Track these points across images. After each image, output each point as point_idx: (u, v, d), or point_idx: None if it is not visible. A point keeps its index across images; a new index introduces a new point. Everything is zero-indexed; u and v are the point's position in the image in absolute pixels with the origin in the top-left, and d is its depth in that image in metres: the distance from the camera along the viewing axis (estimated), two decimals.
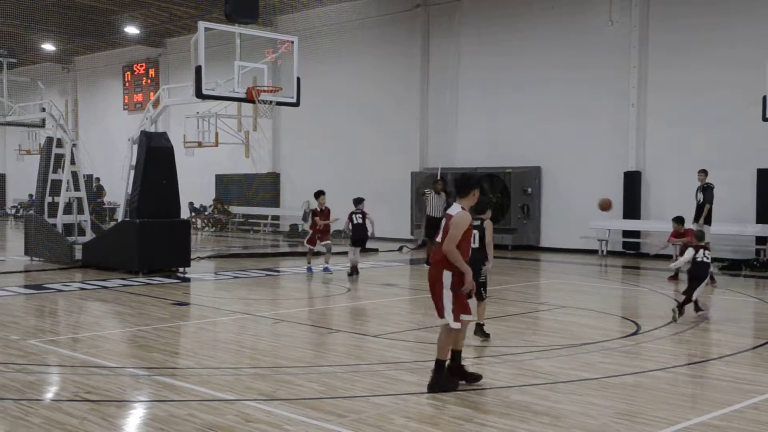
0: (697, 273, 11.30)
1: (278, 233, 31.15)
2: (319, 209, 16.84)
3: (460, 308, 6.97)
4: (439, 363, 7.03)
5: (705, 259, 11.33)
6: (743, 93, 19.13)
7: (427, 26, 27.13)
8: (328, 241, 17.04)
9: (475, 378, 7.22)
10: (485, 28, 25.71)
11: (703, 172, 17.12)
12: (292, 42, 16.46)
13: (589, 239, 22.60)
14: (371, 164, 28.12)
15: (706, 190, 16.96)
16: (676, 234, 15.58)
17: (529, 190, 24.04)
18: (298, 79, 16.46)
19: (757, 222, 19.81)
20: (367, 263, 18.93)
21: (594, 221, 22.14)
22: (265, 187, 32.47)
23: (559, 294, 14.84)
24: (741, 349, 9.29)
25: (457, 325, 6.93)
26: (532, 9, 24.47)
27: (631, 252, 22.47)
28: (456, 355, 7.18)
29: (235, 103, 26.87)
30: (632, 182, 22.38)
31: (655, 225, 21.78)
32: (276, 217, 32.34)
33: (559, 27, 23.87)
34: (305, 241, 17.52)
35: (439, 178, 20.11)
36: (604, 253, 22.37)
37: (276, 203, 32.38)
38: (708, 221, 16.74)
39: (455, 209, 7.01)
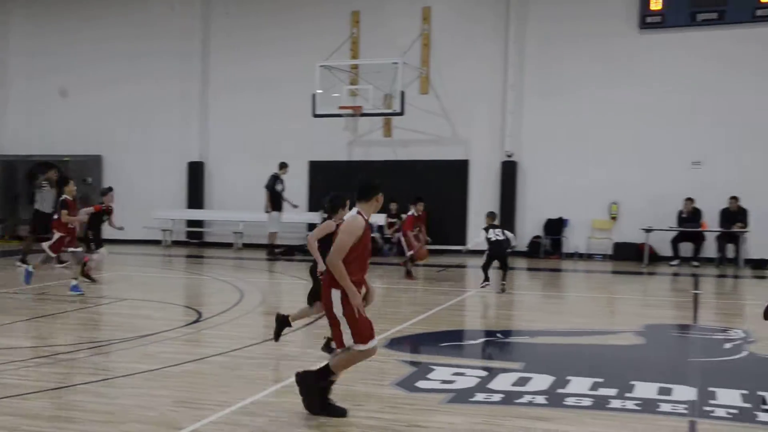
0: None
1: None
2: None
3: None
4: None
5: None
6: (306, 89, 20.23)
7: None
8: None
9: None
10: (39, 8, 23.95)
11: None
12: None
13: (152, 229, 22.37)
14: None
15: (270, 178, 19.04)
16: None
17: (89, 179, 23.00)
18: None
19: (309, 210, 21.45)
20: None
21: (158, 211, 22.01)
22: None
23: (121, 286, 14.41)
24: (293, 328, 9.94)
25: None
26: None
27: (195, 241, 22.78)
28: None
29: None
30: (195, 173, 22.70)
31: (217, 215, 22.39)
32: None
33: (121, 7, 23.27)
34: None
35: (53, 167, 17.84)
36: (169, 243, 22.34)
37: None
38: (277, 208, 18.57)
39: (350, 214, 6.14)
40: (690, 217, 18.10)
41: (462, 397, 6.63)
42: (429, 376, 7.41)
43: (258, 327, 10.08)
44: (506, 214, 19.57)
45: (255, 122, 22.16)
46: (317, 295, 7.53)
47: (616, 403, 6.52)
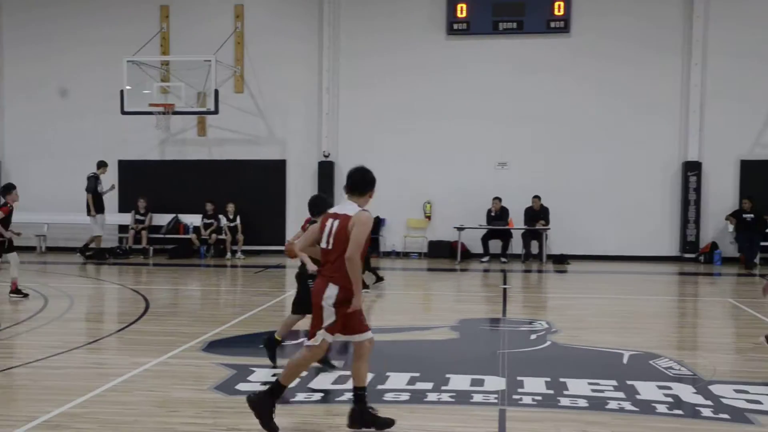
0: None
1: None
2: None
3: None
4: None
5: None
6: (114, 85, 19.35)
7: None
8: None
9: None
10: None
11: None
12: None
13: None
14: None
15: (89, 179, 18.45)
16: None
17: None
18: None
19: (120, 211, 20.55)
20: None
21: None
22: None
23: None
24: (103, 335, 9.47)
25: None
26: None
27: None
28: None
29: None
30: None
31: (18, 217, 20.94)
32: None
33: None
34: None
35: None
36: None
37: None
38: (100, 210, 18.44)
39: (351, 208, 5.79)
40: (498, 215, 19.02)
41: (282, 397, 6.59)
42: (249, 378, 7.31)
43: (63, 335, 9.50)
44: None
45: (58, 120, 20.93)
46: (305, 306, 7.14)
47: (432, 396, 6.73)
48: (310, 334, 5.84)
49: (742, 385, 7.20)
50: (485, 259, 18.92)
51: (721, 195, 18.82)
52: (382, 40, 20.02)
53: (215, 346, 8.78)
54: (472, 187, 19.48)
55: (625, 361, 8.33)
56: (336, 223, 5.80)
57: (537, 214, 18.89)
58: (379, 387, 6.94)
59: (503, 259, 18.87)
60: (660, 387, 7.13)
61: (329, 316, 5.72)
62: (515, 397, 6.78)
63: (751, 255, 17.80)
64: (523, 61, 19.47)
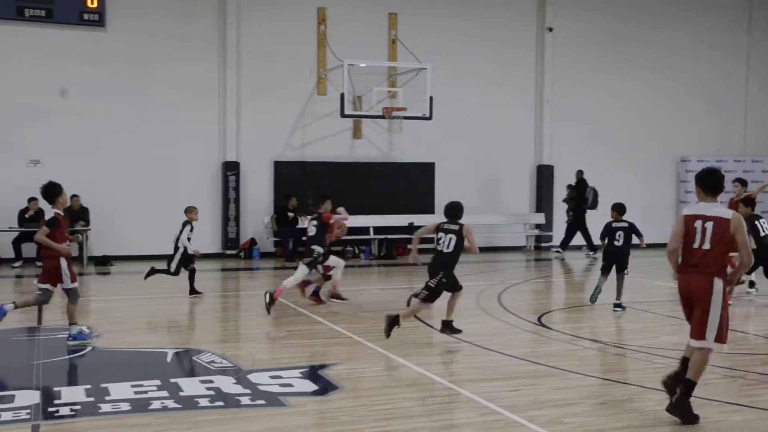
0: None
1: None
2: None
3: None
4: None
5: None
6: None
7: None
8: None
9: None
10: None
11: None
12: None
13: None
14: None
15: None
16: None
17: None
18: None
19: None
20: None
21: None
22: None
23: None
24: None
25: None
26: None
27: None
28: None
29: None
30: None
31: None
32: None
33: None
34: None
35: None
36: None
37: None
38: None
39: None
40: (34, 216, 17.62)
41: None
42: None
43: None
44: None
45: None
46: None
47: None
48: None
49: (277, 371, 7.68)
50: (18, 264, 17.43)
51: (258, 194, 19.90)
52: None
53: None
54: (2, 187, 17.85)
55: (169, 359, 8.34)
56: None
57: (77, 215, 17.97)
58: None
59: (39, 263, 17.58)
60: (203, 381, 7.27)
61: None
62: (51, 409, 6.35)
63: (294, 249, 18.96)
64: (52, 52, 18.28)
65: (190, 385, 7.11)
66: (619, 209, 11.82)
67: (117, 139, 18.83)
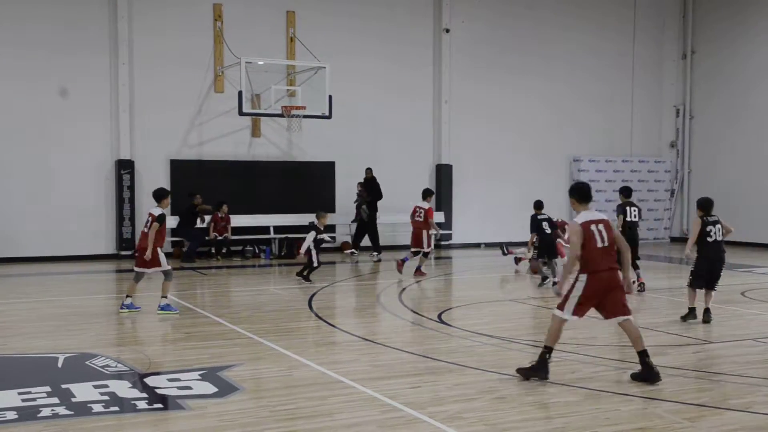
0: None
1: None
2: None
3: None
4: None
5: None
6: None
7: None
8: None
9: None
10: None
11: None
12: None
13: None
14: None
15: None
16: None
17: None
18: None
19: None
20: None
21: None
22: None
23: None
24: None
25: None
26: None
27: None
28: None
29: None
30: None
31: None
32: None
33: None
34: None
35: None
36: None
37: None
38: None
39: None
40: None
41: None
42: None
43: None
44: None
45: None
46: None
47: None
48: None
49: (175, 374, 7.49)
50: None
51: None
52: None
53: None
54: None
55: (60, 364, 8.01)
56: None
57: None
58: None
59: None
60: (96, 386, 7.02)
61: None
62: None
63: (193, 248, 18.55)
64: None
65: (83, 391, 6.85)
66: (538, 205, 14.45)
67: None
